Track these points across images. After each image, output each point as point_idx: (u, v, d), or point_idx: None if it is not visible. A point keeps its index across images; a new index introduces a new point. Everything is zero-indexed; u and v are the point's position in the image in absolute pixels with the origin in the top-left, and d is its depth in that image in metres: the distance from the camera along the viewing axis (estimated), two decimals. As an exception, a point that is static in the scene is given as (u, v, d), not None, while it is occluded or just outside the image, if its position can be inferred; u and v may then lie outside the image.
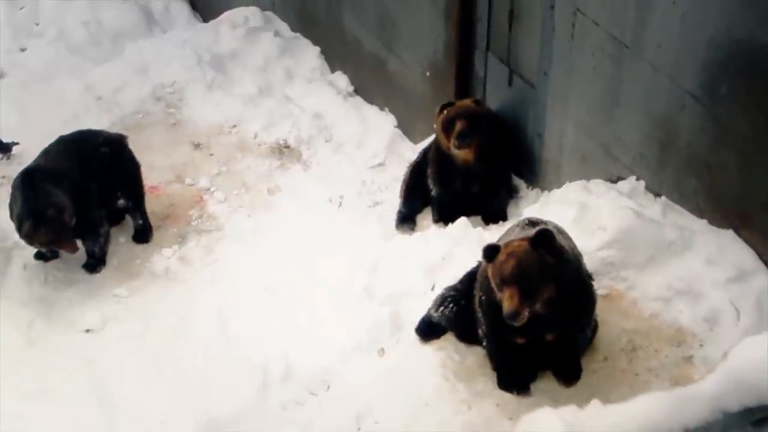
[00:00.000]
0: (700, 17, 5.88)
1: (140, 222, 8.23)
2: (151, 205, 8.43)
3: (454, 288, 6.38)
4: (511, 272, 5.39)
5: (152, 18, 11.47)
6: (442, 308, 6.34)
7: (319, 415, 6.31)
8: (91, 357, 7.03)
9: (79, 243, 7.62)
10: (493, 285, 5.51)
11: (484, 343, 6.08)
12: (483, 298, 5.83)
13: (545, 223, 5.86)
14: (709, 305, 6.04)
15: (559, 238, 5.64)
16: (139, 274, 7.92)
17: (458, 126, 7.51)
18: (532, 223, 5.91)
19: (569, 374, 6.02)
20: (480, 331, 6.04)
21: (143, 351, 7.08)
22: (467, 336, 6.26)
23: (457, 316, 6.26)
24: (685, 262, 6.23)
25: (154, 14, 11.55)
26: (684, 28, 6.01)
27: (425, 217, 8.25)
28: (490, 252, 5.55)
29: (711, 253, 6.17)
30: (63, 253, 7.76)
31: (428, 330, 6.45)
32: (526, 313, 5.38)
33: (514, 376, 6.03)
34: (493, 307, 5.66)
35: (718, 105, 5.98)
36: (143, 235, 8.24)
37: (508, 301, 5.36)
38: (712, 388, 3.12)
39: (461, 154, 7.67)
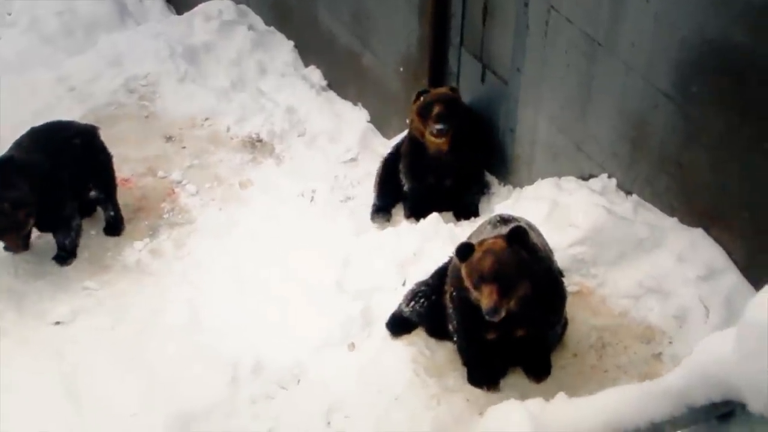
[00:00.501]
0: (673, 17, 5.90)
1: (112, 214, 8.19)
2: (123, 197, 8.39)
3: (425, 283, 6.39)
4: (489, 269, 5.41)
5: (126, 10, 11.40)
6: (413, 303, 6.35)
7: (289, 409, 6.31)
8: (62, 349, 6.99)
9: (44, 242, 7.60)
10: (468, 284, 5.52)
11: (455, 339, 6.09)
12: (454, 293, 5.84)
13: (517, 219, 5.88)
14: (679, 303, 6.08)
15: (531, 235, 5.66)
16: (110, 267, 7.88)
17: (436, 109, 7.52)
18: (503, 220, 5.92)
19: (539, 370, 6.04)
20: (450, 327, 6.05)
21: (114, 344, 7.04)
22: (438, 331, 6.27)
23: (427, 311, 6.27)
24: (655, 260, 6.27)
25: (128, 6, 11.47)
26: (657, 27, 6.04)
27: (397, 212, 8.26)
28: (464, 251, 5.56)
29: (681, 251, 6.21)
30: (33, 245, 7.73)
31: (399, 325, 6.46)
32: (504, 310, 5.40)
33: (484, 371, 6.05)
34: (464, 302, 5.68)
35: (690, 104, 6.02)
36: (115, 227, 8.20)
37: (487, 297, 5.38)
38: (678, 382, 3.14)
39: (437, 143, 7.68)
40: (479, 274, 5.45)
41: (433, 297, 6.23)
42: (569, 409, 3.77)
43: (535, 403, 4.05)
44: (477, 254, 5.50)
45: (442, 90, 7.82)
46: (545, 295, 5.69)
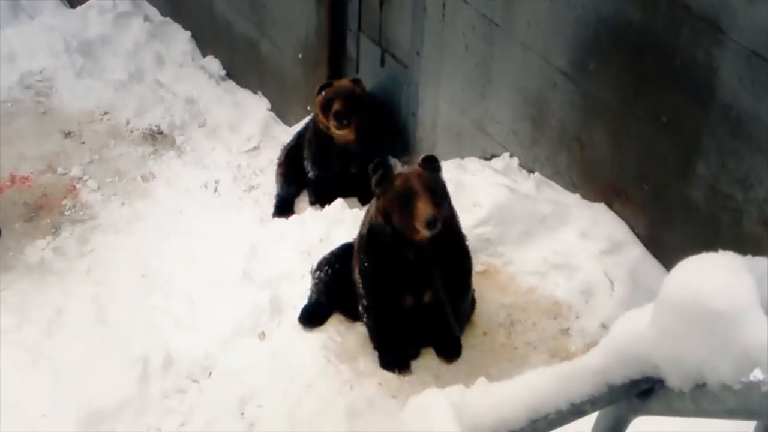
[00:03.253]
0: (568, -5, 5.97)
1: None
2: (23, 196, 8.28)
3: (331, 253, 6.39)
4: (416, 184, 5.45)
5: (18, 4, 11.16)
6: (318, 272, 6.33)
7: (201, 401, 6.27)
8: (-34, 352, 6.88)
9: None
10: (392, 213, 5.52)
11: (365, 319, 6.09)
12: (366, 264, 5.83)
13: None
14: (584, 277, 6.14)
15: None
16: (12, 267, 7.75)
17: (335, 106, 7.53)
18: None
19: (450, 350, 6.07)
20: (360, 307, 6.04)
21: (20, 345, 6.93)
22: (341, 303, 6.26)
23: (332, 280, 6.24)
24: (559, 236, 6.33)
25: (20, 0, 11.29)
26: (552, 7, 6.10)
27: (302, 200, 8.24)
28: (383, 178, 5.58)
29: (584, 226, 6.28)
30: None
31: (311, 317, 6.41)
32: (440, 222, 5.39)
33: (396, 354, 6.05)
34: (378, 269, 5.75)
35: (587, 82, 6.08)
36: None
37: (424, 208, 5.37)
38: (597, 361, 3.16)
39: (341, 135, 7.69)
40: (407, 193, 5.44)
41: (337, 265, 6.23)
42: (490, 395, 3.77)
43: (454, 390, 4.04)
44: (397, 182, 5.51)
45: (344, 83, 7.80)
46: (452, 245, 5.76)
